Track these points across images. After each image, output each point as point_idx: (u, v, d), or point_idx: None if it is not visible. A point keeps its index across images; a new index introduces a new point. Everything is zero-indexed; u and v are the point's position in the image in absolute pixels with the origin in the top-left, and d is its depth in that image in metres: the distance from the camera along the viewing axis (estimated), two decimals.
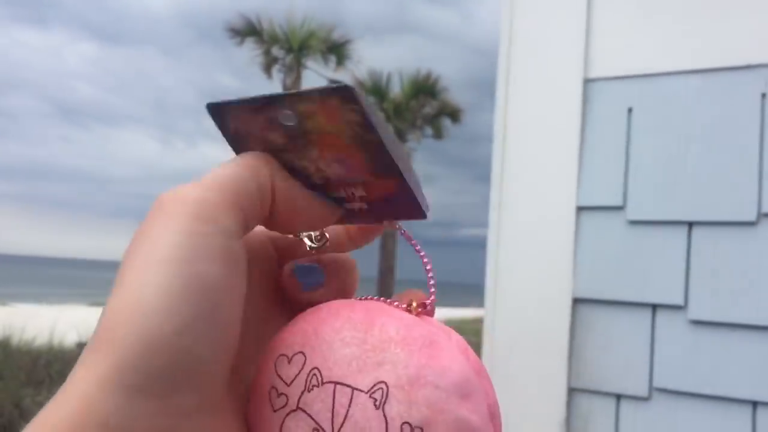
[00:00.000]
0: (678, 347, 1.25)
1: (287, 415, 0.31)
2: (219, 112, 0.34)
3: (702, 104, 1.27)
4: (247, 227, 0.31)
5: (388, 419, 0.28)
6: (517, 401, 1.38)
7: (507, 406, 1.39)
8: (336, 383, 0.30)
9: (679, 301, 1.25)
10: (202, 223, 0.28)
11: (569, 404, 1.34)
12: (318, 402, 0.30)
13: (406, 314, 0.32)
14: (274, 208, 0.33)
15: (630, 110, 1.34)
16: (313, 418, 0.30)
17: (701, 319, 1.23)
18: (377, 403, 0.29)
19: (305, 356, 0.31)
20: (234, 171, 0.31)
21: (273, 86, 12.82)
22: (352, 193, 0.35)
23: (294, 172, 0.34)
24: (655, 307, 1.28)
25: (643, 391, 1.27)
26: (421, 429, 0.28)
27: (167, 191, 0.30)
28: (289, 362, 0.32)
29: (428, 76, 13.78)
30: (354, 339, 0.31)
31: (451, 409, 0.28)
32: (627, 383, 1.29)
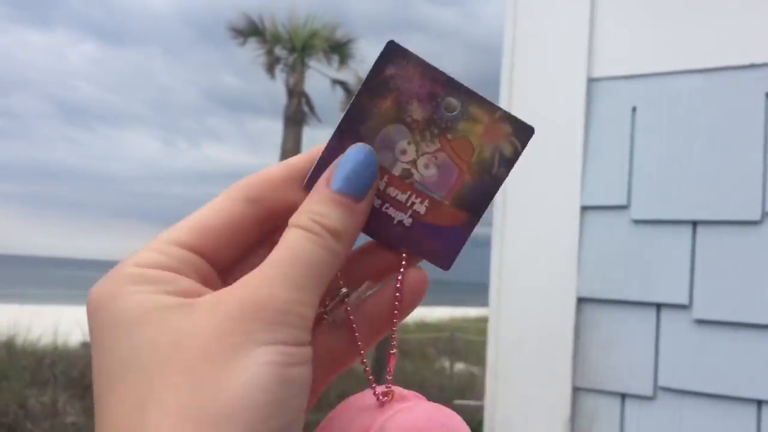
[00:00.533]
0: (683, 346, 1.25)
1: None
2: (394, 53, 0.33)
3: (706, 103, 1.27)
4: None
5: None
6: (521, 400, 1.38)
7: (511, 405, 1.39)
8: None
9: (684, 300, 1.25)
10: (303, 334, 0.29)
11: (574, 403, 1.34)
12: None
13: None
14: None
15: (634, 109, 1.34)
16: None
17: (706, 319, 1.23)
18: None
19: None
20: (317, 257, 0.30)
21: (276, 86, 12.81)
22: (413, 203, 0.34)
23: (382, 151, 0.34)
24: (659, 307, 1.28)
25: (648, 390, 1.27)
26: None
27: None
28: None
29: None
30: None
31: None
32: (632, 382, 1.29)
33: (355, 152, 0.33)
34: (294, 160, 0.34)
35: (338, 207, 0.32)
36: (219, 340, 0.28)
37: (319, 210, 0.31)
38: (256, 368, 0.27)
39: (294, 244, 0.30)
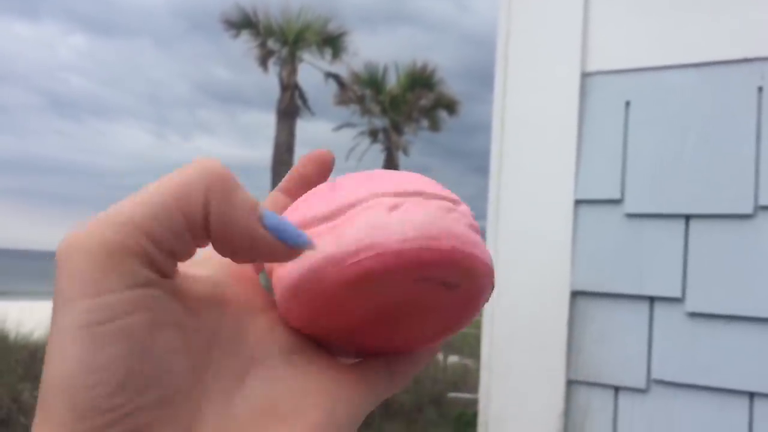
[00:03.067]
0: (675, 339, 1.26)
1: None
2: None
3: (699, 98, 1.28)
4: (167, 263, 0.27)
5: None
6: (515, 393, 1.39)
7: (505, 398, 1.39)
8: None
9: (677, 293, 1.26)
10: (107, 278, 0.25)
11: (568, 396, 1.34)
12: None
13: None
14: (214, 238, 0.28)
15: (628, 104, 1.34)
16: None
17: (698, 312, 1.24)
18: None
19: None
20: (159, 199, 0.26)
21: (269, 79, 12.78)
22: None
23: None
24: (652, 300, 1.29)
25: (641, 383, 1.28)
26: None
27: (67, 238, 0.26)
28: None
29: (425, 67, 13.75)
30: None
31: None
32: (625, 375, 1.29)
33: None
34: None
35: None
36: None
37: None
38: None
39: None
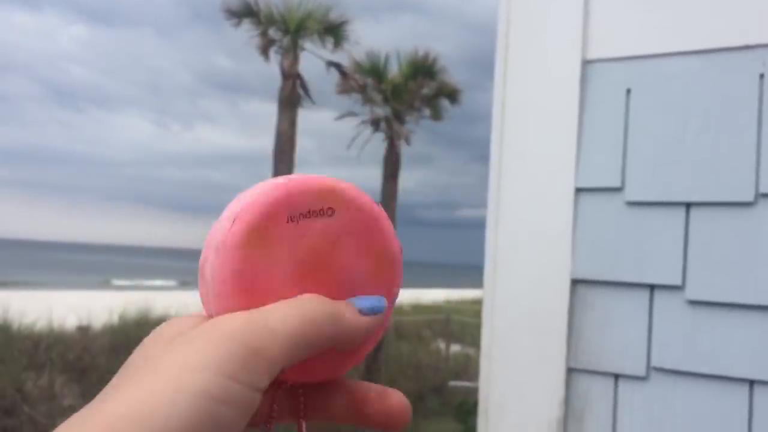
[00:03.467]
0: (676, 327, 1.26)
1: None
2: None
3: (700, 85, 1.27)
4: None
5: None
6: (515, 382, 1.39)
7: (506, 386, 1.40)
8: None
9: (677, 281, 1.26)
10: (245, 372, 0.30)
11: (568, 384, 1.35)
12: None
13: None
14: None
15: (629, 91, 1.34)
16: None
17: (699, 299, 1.24)
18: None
19: None
20: (301, 325, 0.33)
21: (270, 68, 12.74)
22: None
23: None
24: (653, 288, 1.29)
25: (641, 370, 1.28)
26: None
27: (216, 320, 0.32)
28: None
29: (426, 56, 13.69)
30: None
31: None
32: (625, 363, 1.29)
33: None
34: None
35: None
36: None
37: None
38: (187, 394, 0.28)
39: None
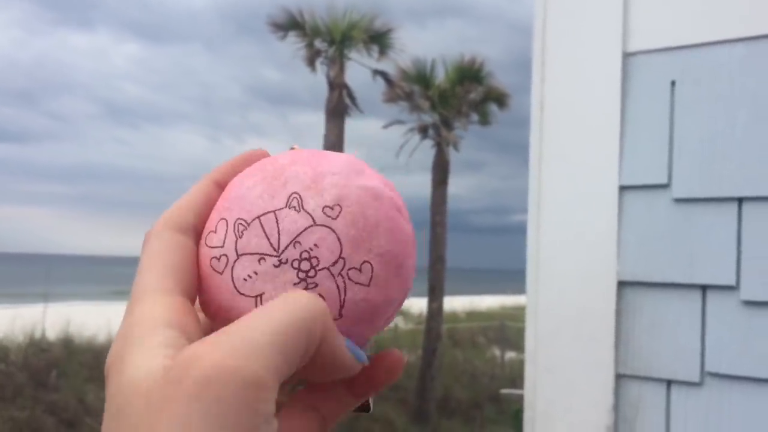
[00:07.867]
0: (730, 329, 1.20)
1: (232, 267, 0.35)
2: None
3: (748, 74, 1.21)
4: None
5: (310, 213, 0.35)
6: (562, 389, 1.35)
7: (552, 394, 1.36)
8: (259, 216, 0.35)
9: (731, 281, 1.20)
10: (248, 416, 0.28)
11: (617, 391, 1.30)
12: (253, 238, 0.35)
13: (287, 152, 0.38)
14: (311, 361, 0.32)
15: (673, 83, 1.29)
16: (254, 253, 0.34)
17: (754, 300, 1.18)
18: (297, 208, 0.35)
19: (226, 219, 0.36)
20: (289, 324, 0.30)
21: (317, 79, 12.86)
22: None
23: None
24: (705, 289, 1.23)
25: (694, 376, 1.23)
26: (339, 205, 0.35)
27: (202, 358, 0.29)
28: (215, 232, 0.36)
29: (473, 61, 13.63)
30: (256, 181, 0.36)
31: (352, 183, 0.36)
32: (677, 368, 1.24)
33: None
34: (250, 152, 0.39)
35: None
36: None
37: None
38: None
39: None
